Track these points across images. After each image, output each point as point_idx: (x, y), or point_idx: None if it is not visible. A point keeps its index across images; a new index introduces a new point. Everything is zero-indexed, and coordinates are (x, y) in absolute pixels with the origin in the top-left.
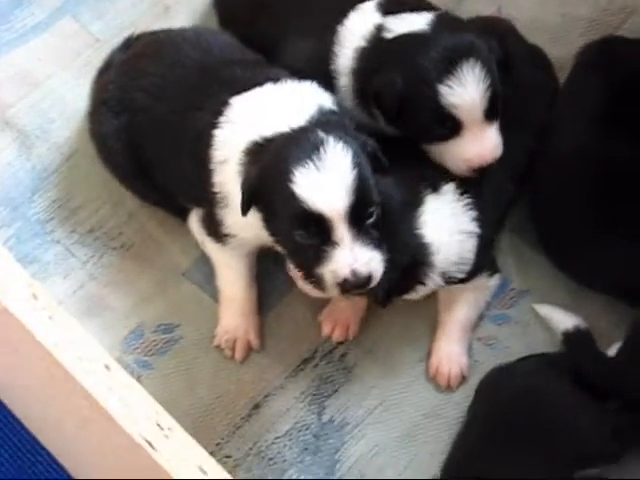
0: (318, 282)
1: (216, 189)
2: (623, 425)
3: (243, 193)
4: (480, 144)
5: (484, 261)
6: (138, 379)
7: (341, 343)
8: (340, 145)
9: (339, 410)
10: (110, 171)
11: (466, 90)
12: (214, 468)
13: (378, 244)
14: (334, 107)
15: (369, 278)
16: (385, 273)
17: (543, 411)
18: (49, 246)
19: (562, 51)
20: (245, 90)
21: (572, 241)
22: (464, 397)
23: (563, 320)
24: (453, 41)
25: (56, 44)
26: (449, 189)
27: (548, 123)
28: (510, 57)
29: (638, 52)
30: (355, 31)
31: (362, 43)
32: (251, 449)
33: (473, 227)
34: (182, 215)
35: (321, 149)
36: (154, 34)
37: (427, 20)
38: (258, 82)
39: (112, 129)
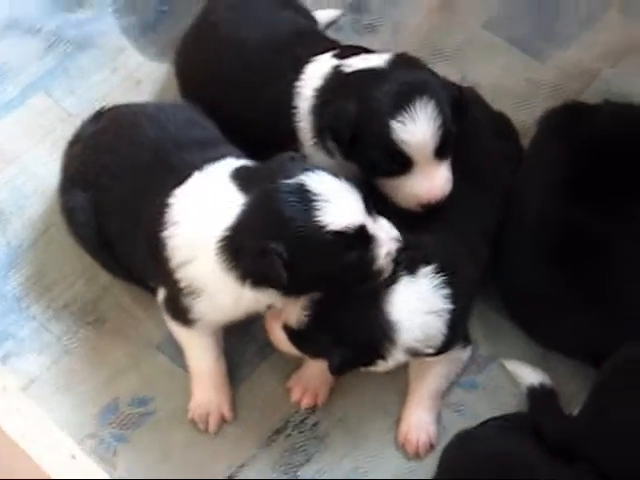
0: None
1: (182, 284)
2: None
3: (275, 274)
4: (430, 181)
5: (457, 336)
6: (114, 452)
7: (311, 411)
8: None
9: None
10: (80, 245)
11: (417, 127)
12: None
13: None
14: None
15: None
16: (342, 343)
17: (506, 474)
18: (25, 322)
19: (526, 116)
20: (186, 178)
21: (537, 306)
22: (435, 463)
23: (529, 376)
24: (408, 77)
25: (29, 120)
26: (426, 272)
27: (511, 189)
28: (465, 99)
29: (599, 118)
30: (313, 74)
31: (320, 82)
32: None
33: (444, 305)
34: (152, 290)
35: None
36: (121, 107)
37: (386, 58)
38: (199, 167)
39: (79, 204)
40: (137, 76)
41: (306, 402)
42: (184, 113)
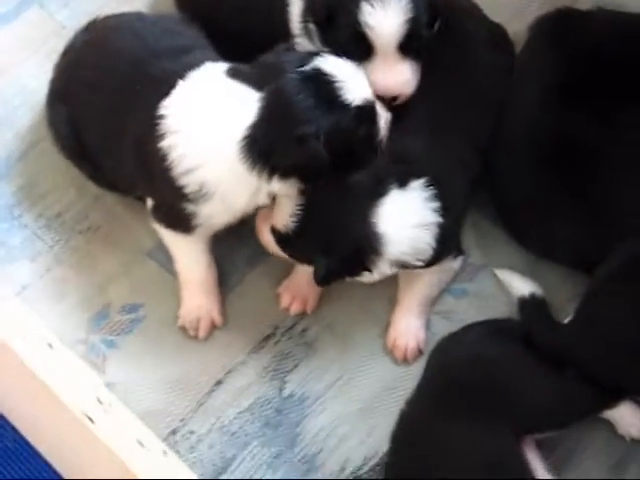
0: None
1: (187, 189)
2: (573, 391)
3: (319, 159)
4: (386, 74)
5: (447, 249)
6: (104, 358)
7: (300, 317)
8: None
9: (300, 385)
10: (65, 157)
11: (385, 14)
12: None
13: None
14: None
15: None
16: (328, 253)
17: (489, 376)
18: (17, 231)
19: (520, 25)
20: (171, 87)
21: (529, 213)
22: (422, 370)
23: (520, 286)
24: None
25: (23, 33)
26: (416, 185)
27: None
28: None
29: (591, 24)
30: None
31: None
32: (214, 424)
33: (434, 218)
34: (141, 198)
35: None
36: (105, 19)
37: None
38: (181, 75)
39: (61, 117)
40: None
41: (295, 308)
42: (164, 22)
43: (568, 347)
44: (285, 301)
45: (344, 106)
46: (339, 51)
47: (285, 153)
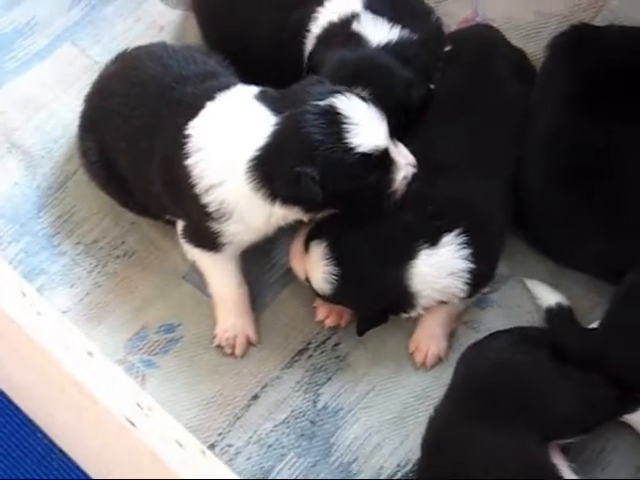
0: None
1: (210, 208)
2: (596, 397)
3: (311, 196)
4: None
5: (479, 287)
6: (143, 378)
7: (333, 332)
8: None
9: (333, 397)
10: (96, 185)
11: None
12: (192, 441)
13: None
14: None
15: None
16: (366, 308)
17: (516, 383)
18: (56, 258)
19: (536, 47)
20: (197, 109)
21: (552, 223)
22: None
23: (547, 296)
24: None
25: (57, 69)
26: (448, 240)
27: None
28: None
29: (607, 38)
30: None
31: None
32: (251, 437)
33: (466, 265)
34: (170, 222)
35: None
36: (131, 50)
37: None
38: (208, 97)
39: (92, 145)
40: (160, 23)
41: (331, 321)
42: (186, 51)
43: (598, 352)
44: (321, 314)
45: (347, 150)
46: None
47: (283, 185)
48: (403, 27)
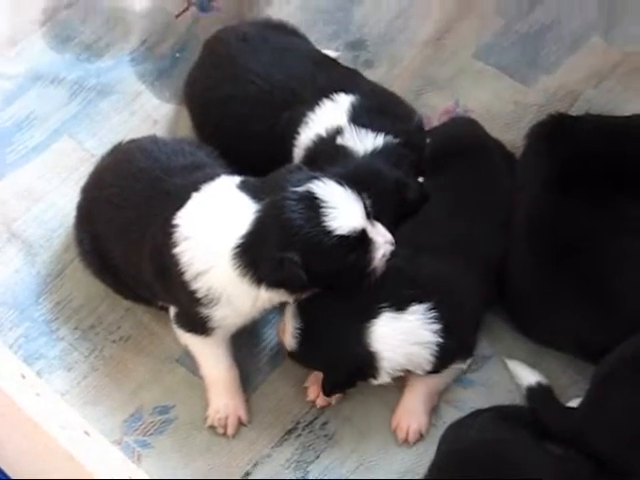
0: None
1: (199, 294)
2: (573, 472)
3: (295, 280)
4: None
5: (447, 361)
6: (138, 458)
7: (321, 411)
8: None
9: (321, 473)
10: (90, 273)
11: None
12: None
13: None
14: None
15: None
16: (330, 371)
17: (496, 459)
18: (54, 343)
19: (515, 136)
20: (184, 199)
21: (534, 304)
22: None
23: (526, 376)
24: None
25: (55, 161)
26: (416, 309)
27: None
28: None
29: (582, 126)
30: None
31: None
32: None
33: (434, 338)
34: (164, 308)
35: (320, 194)
36: (124, 144)
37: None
38: (194, 188)
39: (86, 235)
40: (154, 117)
41: (321, 401)
42: (176, 144)
43: (579, 430)
44: (313, 394)
45: (326, 233)
46: None
47: (267, 271)
48: (387, 133)
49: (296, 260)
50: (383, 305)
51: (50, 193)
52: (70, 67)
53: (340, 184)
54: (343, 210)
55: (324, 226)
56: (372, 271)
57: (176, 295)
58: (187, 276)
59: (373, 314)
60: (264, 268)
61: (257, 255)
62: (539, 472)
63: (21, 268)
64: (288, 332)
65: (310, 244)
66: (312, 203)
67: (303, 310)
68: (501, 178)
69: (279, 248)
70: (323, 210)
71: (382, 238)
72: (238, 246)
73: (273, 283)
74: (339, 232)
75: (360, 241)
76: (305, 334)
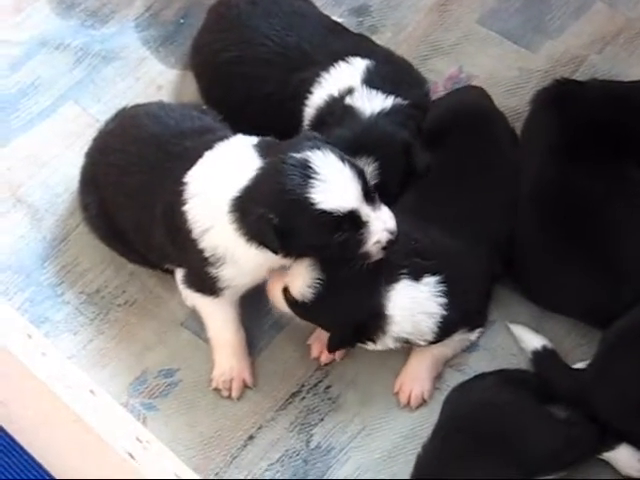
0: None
1: (206, 253)
2: (577, 435)
3: (269, 240)
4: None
5: (448, 332)
6: (144, 420)
7: (324, 374)
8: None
9: (325, 437)
10: (96, 237)
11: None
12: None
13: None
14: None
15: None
16: (340, 325)
17: (499, 420)
18: (60, 307)
19: (519, 102)
20: (195, 161)
21: (540, 268)
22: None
23: (530, 340)
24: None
25: (60, 127)
26: (429, 281)
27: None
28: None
29: (588, 91)
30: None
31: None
32: (246, 476)
33: (439, 311)
34: (169, 271)
35: (315, 164)
36: (129, 109)
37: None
38: (208, 147)
39: (92, 199)
40: (159, 82)
41: (325, 358)
42: (182, 108)
43: (586, 392)
44: (316, 351)
45: (309, 204)
46: None
47: (247, 226)
48: (397, 96)
49: (274, 222)
50: (403, 272)
51: (55, 158)
52: (75, 33)
53: (342, 160)
54: (333, 186)
55: (307, 196)
56: (362, 255)
57: (187, 255)
58: (195, 234)
59: (394, 278)
60: (246, 223)
61: (245, 210)
62: (543, 435)
63: (27, 233)
64: (301, 282)
65: (290, 210)
66: (304, 171)
67: (325, 262)
68: (506, 151)
69: (261, 206)
70: (312, 181)
71: (381, 224)
72: (234, 199)
73: (253, 240)
74: (322, 206)
75: (347, 221)
76: (325, 286)
